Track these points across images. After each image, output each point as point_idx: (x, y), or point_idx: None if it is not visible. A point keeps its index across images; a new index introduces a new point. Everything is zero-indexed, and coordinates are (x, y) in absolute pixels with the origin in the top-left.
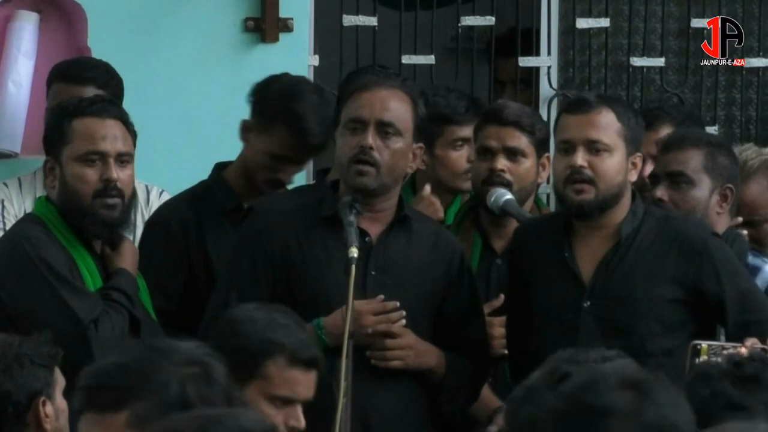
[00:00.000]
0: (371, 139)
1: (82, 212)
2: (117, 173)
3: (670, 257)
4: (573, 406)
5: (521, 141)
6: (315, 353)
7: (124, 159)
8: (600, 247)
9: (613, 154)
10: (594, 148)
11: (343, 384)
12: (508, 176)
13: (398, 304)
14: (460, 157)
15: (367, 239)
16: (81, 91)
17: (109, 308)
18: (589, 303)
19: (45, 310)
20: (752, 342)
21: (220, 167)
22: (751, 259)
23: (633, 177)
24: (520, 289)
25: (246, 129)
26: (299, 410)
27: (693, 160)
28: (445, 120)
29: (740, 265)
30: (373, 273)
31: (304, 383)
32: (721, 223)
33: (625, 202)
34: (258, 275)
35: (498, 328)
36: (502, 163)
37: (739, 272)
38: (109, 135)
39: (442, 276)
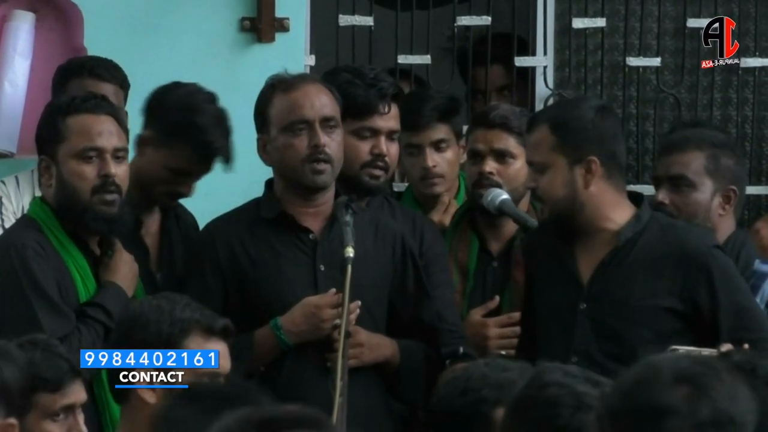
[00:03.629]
0: (322, 137)
1: (80, 209)
2: (114, 169)
3: (668, 266)
4: (628, 403)
5: (509, 142)
6: (226, 322)
7: (120, 155)
8: (600, 250)
9: (549, 172)
10: (533, 168)
11: (339, 384)
12: (497, 179)
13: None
14: (415, 163)
15: (311, 236)
16: (106, 88)
17: (82, 325)
18: (585, 305)
19: (15, 323)
20: (727, 348)
21: None
22: (759, 265)
23: (589, 184)
24: (530, 294)
25: (143, 142)
26: None
27: (694, 163)
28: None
29: (741, 282)
30: (322, 269)
31: (224, 354)
32: (725, 224)
33: (611, 209)
34: (208, 287)
35: (493, 328)
36: (490, 165)
37: (737, 288)
38: (105, 131)
39: (387, 263)
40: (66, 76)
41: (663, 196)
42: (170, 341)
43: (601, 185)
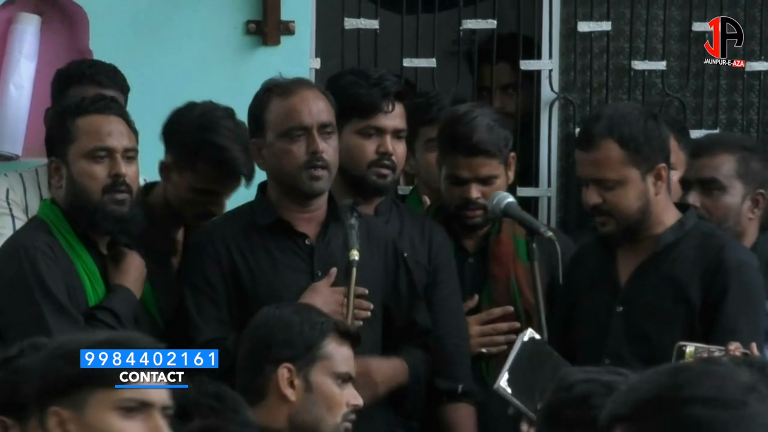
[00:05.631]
0: (320, 143)
1: (91, 209)
2: (125, 168)
3: (702, 273)
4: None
5: (491, 166)
6: (356, 328)
7: (130, 155)
8: (640, 254)
9: (625, 186)
10: (603, 185)
11: None
12: (483, 201)
13: (367, 291)
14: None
15: (307, 241)
16: (107, 94)
17: (90, 329)
18: (621, 308)
19: (23, 325)
20: (735, 346)
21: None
22: None
23: (660, 191)
24: (567, 296)
25: (165, 168)
26: (354, 388)
27: (725, 166)
28: (419, 122)
29: (755, 303)
30: (319, 274)
31: (353, 359)
32: (752, 229)
33: (665, 213)
34: (213, 286)
35: (474, 326)
36: (476, 191)
37: (748, 309)
38: (115, 131)
39: (380, 266)
40: (66, 84)
41: (694, 199)
42: (312, 342)
43: (663, 190)
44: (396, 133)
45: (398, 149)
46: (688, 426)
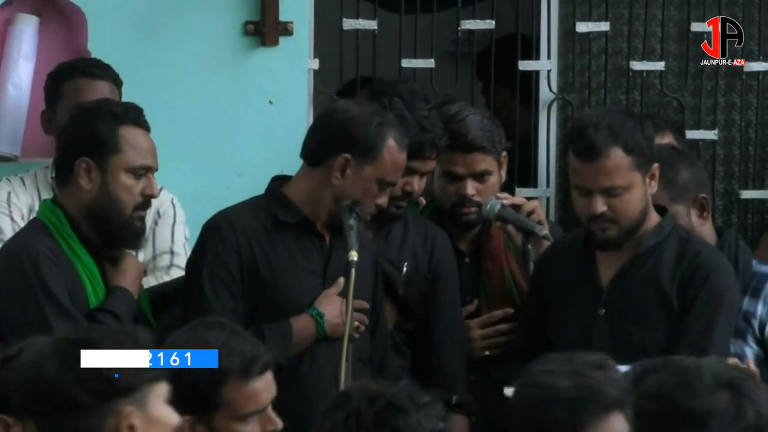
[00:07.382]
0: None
1: (120, 222)
2: (156, 189)
3: (681, 275)
4: (670, 408)
5: (487, 162)
6: (262, 359)
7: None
8: (621, 257)
9: (631, 191)
10: (611, 193)
11: (343, 387)
12: (478, 198)
13: (367, 305)
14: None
15: (325, 243)
16: (101, 86)
17: None
18: (604, 310)
19: (26, 328)
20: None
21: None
22: (757, 266)
23: (654, 189)
24: (538, 296)
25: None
26: (271, 412)
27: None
28: None
29: (726, 308)
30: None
31: (264, 389)
32: (708, 231)
33: (651, 214)
34: (232, 272)
35: (476, 330)
36: (471, 187)
37: (719, 313)
38: (154, 150)
39: (371, 275)
40: (58, 80)
41: None
42: (208, 394)
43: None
44: (424, 174)
45: (421, 185)
46: None
